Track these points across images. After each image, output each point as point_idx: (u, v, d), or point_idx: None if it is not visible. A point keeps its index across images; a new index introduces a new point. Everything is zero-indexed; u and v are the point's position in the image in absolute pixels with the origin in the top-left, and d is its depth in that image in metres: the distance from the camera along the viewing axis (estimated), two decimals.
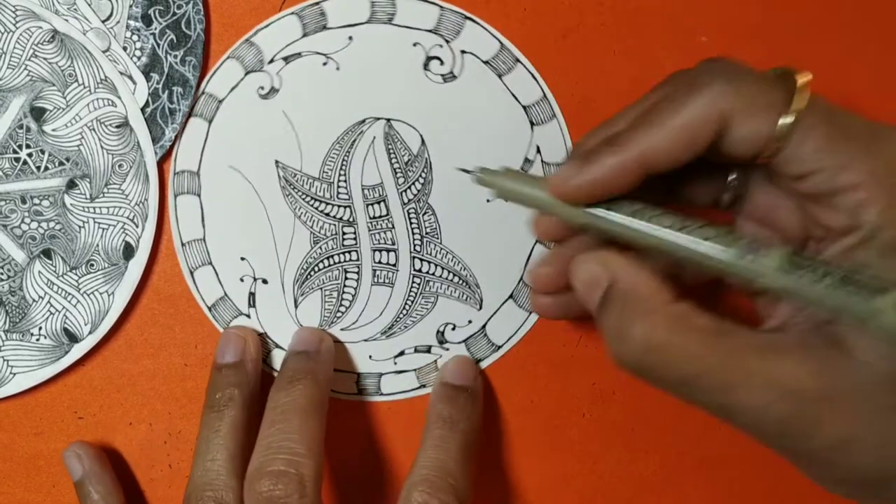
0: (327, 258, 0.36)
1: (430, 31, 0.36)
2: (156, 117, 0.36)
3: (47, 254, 0.36)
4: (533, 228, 0.32)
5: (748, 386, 0.25)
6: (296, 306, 0.37)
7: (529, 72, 0.36)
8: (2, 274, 0.36)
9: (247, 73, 0.36)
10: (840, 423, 0.24)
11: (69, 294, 0.36)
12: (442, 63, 0.36)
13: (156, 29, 0.35)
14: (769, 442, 0.26)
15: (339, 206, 0.36)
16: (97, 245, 0.36)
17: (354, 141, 0.36)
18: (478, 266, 0.37)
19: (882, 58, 0.37)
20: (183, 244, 0.36)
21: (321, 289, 0.36)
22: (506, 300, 0.37)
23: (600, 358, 0.37)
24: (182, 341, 0.37)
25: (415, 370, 0.37)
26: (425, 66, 0.36)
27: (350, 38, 0.36)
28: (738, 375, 0.25)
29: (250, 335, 0.36)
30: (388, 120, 0.36)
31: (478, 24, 0.36)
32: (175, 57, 0.36)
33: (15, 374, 0.36)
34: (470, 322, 0.37)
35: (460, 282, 0.37)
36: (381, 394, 0.37)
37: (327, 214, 0.36)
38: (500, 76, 0.36)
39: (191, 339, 0.37)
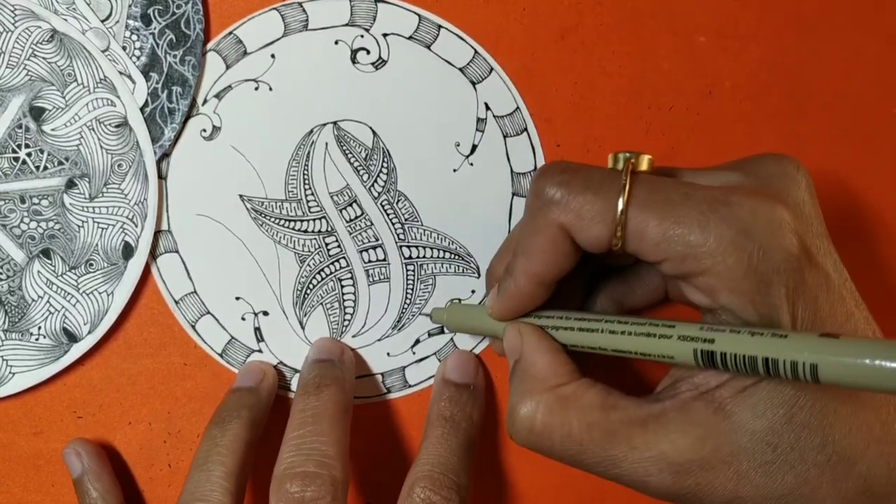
0: (318, 273, 0.36)
1: (346, 25, 0.36)
2: (155, 117, 0.36)
3: (46, 253, 0.36)
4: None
5: (629, 461, 0.27)
6: (303, 328, 0.37)
7: (454, 34, 0.36)
8: (1, 274, 0.36)
9: (186, 120, 0.36)
10: (726, 487, 0.26)
11: (68, 294, 0.36)
12: (368, 52, 0.36)
13: (155, 28, 0.35)
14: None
15: (314, 220, 0.36)
16: (96, 245, 0.36)
17: (309, 153, 0.36)
18: (464, 235, 0.37)
19: (882, 58, 0.37)
20: (176, 302, 0.36)
21: (322, 304, 0.37)
22: None
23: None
24: (181, 341, 0.37)
25: (434, 353, 0.37)
26: (353, 60, 0.36)
27: (272, 55, 0.36)
28: (621, 450, 0.27)
29: (269, 368, 0.36)
30: (335, 123, 0.36)
31: (390, 3, 0.36)
32: (174, 56, 0.36)
33: (14, 373, 0.36)
34: (474, 292, 0.37)
35: (452, 256, 0.37)
36: (409, 385, 0.37)
37: (305, 231, 0.36)
38: (427, 47, 0.36)
39: (190, 339, 0.37)
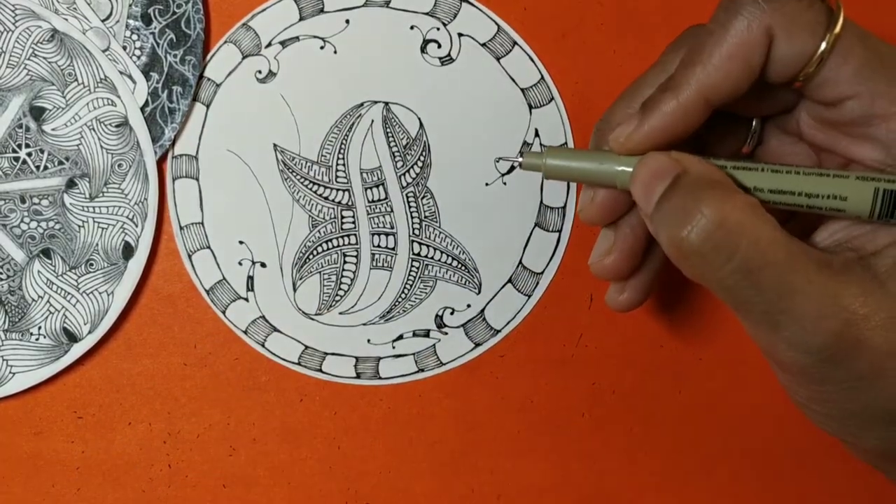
0: (326, 242, 0.36)
1: (426, 13, 0.36)
2: (155, 117, 0.36)
3: (47, 253, 0.36)
4: (583, 213, 0.30)
5: (807, 294, 0.24)
6: (294, 290, 0.36)
7: (527, 54, 0.36)
8: (1, 273, 0.36)
9: (244, 58, 0.36)
10: (876, 352, 0.24)
11: (69, 294, 0.36)
12: (439, 46, 0.36)
13: (155, 28, 0.35)
14: (803, 361, 0.25)
15: (337, 190, 0.36)
16: (97, 244, 0.36)
17: (353, 125, 0.36)
18: (477, 250, 0.37)
19: None
20: (181, 227, 0.36)
21: (320, 272, 0.36)
22: (504, 284, 0.37)
23: (600, 357, 0.37)
24: (181, 341, 0.36)
25: (413, 354, 0.37)
26: (423, 49, 0.36)
27: (347, 21, 0.36)
28: (800, 280, 0.24)
29: None
30: (386, 103, 0.36)
31: (474, 6, 0.36)
32: (175, 56, 0.36)
33: (14, 373, 0.36)
34: (469, 306, 0.37)
35: (459, 266, 0.37)
36: (379, 378, 0.37)
37: (326, 198, 0.36)
38: (497, 59, 0.36)
39: (190, 339, 0.37)
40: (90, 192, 0.36)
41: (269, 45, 0.36)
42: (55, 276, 0.36)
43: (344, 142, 0.36)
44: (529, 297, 0.37)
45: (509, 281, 0.37)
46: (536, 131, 0.36)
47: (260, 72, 0.36)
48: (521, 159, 0.30)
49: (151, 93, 0.36)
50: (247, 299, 0.36)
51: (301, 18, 0.36)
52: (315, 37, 0.36)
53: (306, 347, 0.36)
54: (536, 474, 0.37)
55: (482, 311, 0.37)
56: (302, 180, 0.36)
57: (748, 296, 0.25)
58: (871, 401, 0.25)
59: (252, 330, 0.36)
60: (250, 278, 0.36)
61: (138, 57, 0.36)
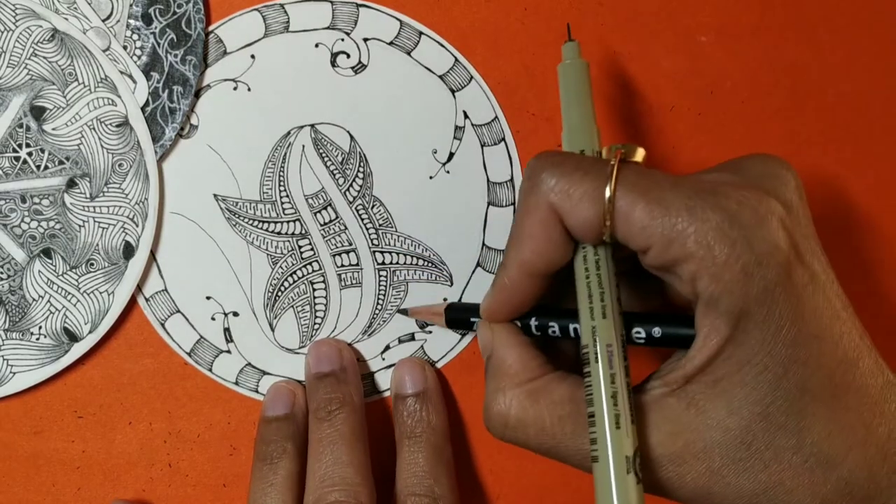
0: (290, 276, 0.36)
1: (327, 28, 0.36)
2: (156, 116, 0.36)
3: (47, 253, 0.36)
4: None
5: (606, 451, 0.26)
6: (272, 330, 0.37)
7: (436, 41, 0.36)
8: (2, 273, 0.36)
9: (186, 120, 0.36)
10: (697, 483, 0.26)
11: (69, 293, 0.36)
12: (348, 56, 0.36)
13: (156, 28, 0.35)
14: None
15: (287, 222, 0.36)
16: (97, 244, 0.36)
17: (285, 155, 0.36)
18: (439, 244, 0.37)
19: (882, 57, 0.37)
20: (147, 299, 0.36)
21: (293, 307, 0.36)
22: (474, 270, 0.37)
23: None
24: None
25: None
26: (333, 63, 0.36)
27: (252, 56, 0.36)
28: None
29: (298, 388, 0.36)
30: (312, 126, 0.36)
31: (372, 8, 0.36)
32: (175, 56, 0.36)
33: (15, 373, 0.36)
34: (445, 300, 0.37)
35: (426, 263, 0.37)
36: (378, 391, 0.37)
37: (279, 233, 0.36)
38: (408, 53, 0.36)
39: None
40: (91, 191, 0.36)
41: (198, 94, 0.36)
42: (56, 276, 0.36)
43: (281, 174, 0.36)
44: None
45: (478, 265, 0.37)
46: (465, 113, 0.36)
47: (182, 128, 0.36)
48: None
49: (152, 92, 0.36)
50: (229, 351, 0.36)
51: (207, 66, 0.36)
52: (225, 80, 0.36)
53: (300, 382, 0.37)
54: (536, 474, 0.37)
55: (460, 300, 0.37)
56: (251, 222, 0.36)
57: (563, 460, 0.28)
58: None
59: (242, 380, 0.37)
60: (227, 330, 0.36)
61: (139, 57, 0.36)
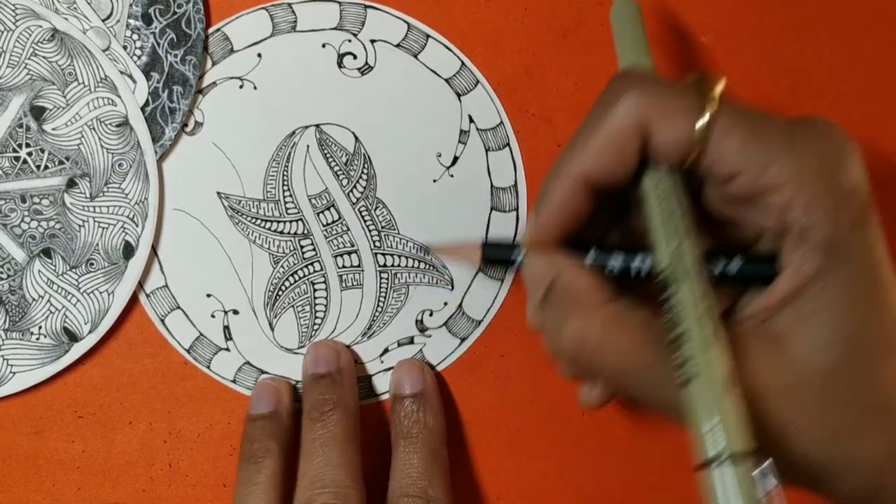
0: (291, 275, 0.36)
1: (334, 28, 0.36)
2: (156, 116, 0.36)
3: (47, 253, 0.36)
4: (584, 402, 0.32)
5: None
6: (272, 329, 0.36)
7: (443, 44, 0.36)
8: (2, 273, 0.36)
9: (186, 120, 0.36)
10: (775, 418, 0.25)
11: (69, 293, 0.36)
12: (355, 57, 0.36)
13: (156, 28, 0.35)
14: None
15: (290, 222, 0.36)
16: (97, 244, 0.36)
17: (289, 154, 0.36)
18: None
19: (882, 57, 0.37)
20: (147, 295, 0.36)
21: (293, 306, 0.36)
22: (476, 274, 0.37)
23: None
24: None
25: None
26: (339, 64, 0.36)
27: (259, 55, 0.36)
28: (672, 372, 0.25)
29: (283, 385, 0.36)
30: (318, 126, 0.36)
31: (380, 10, 0.36)
32: (175, 56, 0.36)
33: (15, 373, 0.36)
34: (446, 304, 0.37)
35: (427, 267, 0.37)
36: (375, 394, 0.37)
37: (281, 232, 0.36)
38: (414, 55, 0.36)
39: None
40: (91, 191, 0.36)
41: (200, 91, 0.36)
42: (56, 276, 0.36)
43: (285, 173, 0.36)
44: (502, 281, 0.37)
45: (479, 270, 0.37)
46: (470, 117, 0.36)
47: (187, 125, 0.36)
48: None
49: (152, 92, 0.36)
50: (228, 349, 0.36)
51: (213, 63, 0.36)
52: (231, 77, 0.36)
53: (297, 382, 0.37)
54: (536, 474, 0.37)
55: (460, 305, 0.37)
56: (253, 221, 0.36)
57: (631, 393, 0.27)
58: (793, 462, 0.26)
59: (240, 378, 0.37)
60: (226, 328, 0.36)
61: (139, 56, 0.36)
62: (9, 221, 0.36)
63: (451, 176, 0.36)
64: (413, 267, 0.37)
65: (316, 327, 0.37)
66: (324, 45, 0.36)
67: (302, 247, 0.36)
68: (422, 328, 0.37)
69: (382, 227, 0.36)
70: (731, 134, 0.26)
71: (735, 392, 0.24)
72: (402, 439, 0.34)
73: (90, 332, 0.36)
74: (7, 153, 0.35)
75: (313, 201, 0.36)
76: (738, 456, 0.23)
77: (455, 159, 0.36)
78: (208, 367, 0.36)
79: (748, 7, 0.37)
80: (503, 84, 0.36)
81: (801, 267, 0.25)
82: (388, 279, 0.37)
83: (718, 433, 0.24)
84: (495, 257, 0.32)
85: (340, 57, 0.36)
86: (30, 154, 0.35)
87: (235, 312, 0.36)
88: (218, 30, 0.36)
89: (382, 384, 0.37)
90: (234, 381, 0.37)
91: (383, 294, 0.37)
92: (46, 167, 0.36)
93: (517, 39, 0.36)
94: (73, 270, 0.36)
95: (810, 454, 0.25)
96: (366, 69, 0.36)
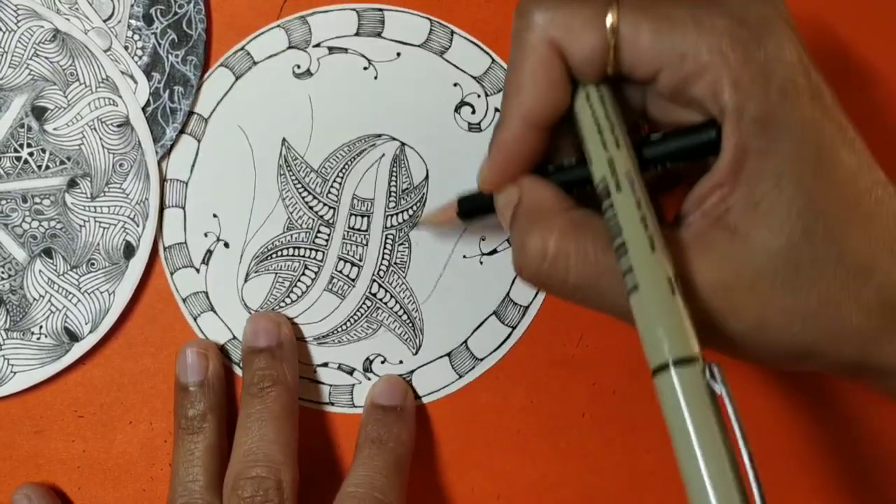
0: (294, 248, 0.36)
1: (474, 77, 0.36)
2: (157, 117, 0.36)
3: (48, 253, 0.36)
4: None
5: None
6: (245, 280, 0.36)
7: None
8: (3, 273, 0.36)
9: (289, 48, 0.36)
10: (750, 313, 0.25)
11: (70, 293, 0.36)
12: (473, 112, 0.36)
13: (157, 28, 0.36)
14: None
15: (324, 205, 0.36)
16: (98, 244, 0.36)
17: (364, 150, 0.36)
18: (430, 314, 0.36)
19: (882, 57, 0.37)
20: (166, 179, 0.36)
21: (276, 273, 0.36)
22: (441, 356, 0.37)
23: (600, 358, 0.37)
24: (183, 340, 0.36)
25: (330, 386, 0.36)
26: (457, 109, 0.36)
27: (398, 53, 0.36)
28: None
29: (211, 349, 0.35)
30: (403, 144, 0.36)
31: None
32: (176, 56, 0.36)
33: (15, 372, 0.36)
34: (401, 362, 0.36)
35: (408, 321, 0.36)
36: (317, 401, 0.37)
37: (311, 208, 0.36)
38: None
39: (192, 338, 0.37)
40: (91, 191, 0.36)
41: (318, 45, 0.36)
42: (56, 276, 0.36)
43: (349, 163, 0.36)
44: (461, 377, 0.37)
45: (447, 355, 0.37)
46: None
47: (299, 66, 0.36)
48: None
49: (153, 93, 0.36)
50: (198, 270, 0.36)
51: (357, 34, 0.36)
52: (363, 56, 0.36)
53: (233, 337, 0.36)
54: (536, 474, 0.37)
55: (411, 372, 0.37)
56: (295, 182, 0.36)
57: (597, 304, 0.27)
58: (767, 351, 0.26)
59: (190, 301, 0.36)
60: (209, 252, 0.36)
61: (140, 57, 0.36)
62: (10, 221, 0.36)
63: (481, 263, 0.36)
64: (396, 313, 0.36)
65: (283, 305, 0.36)
66: (455, 84, 0.36)
67: (319, 231, 0.36)
68: (367, 368, 0.36)
69: (394, 263, 0.36)
70: (640, 30, 0.25)
71: (678, 298, 0.24)
72: (370, 443, 0.34)
73: (91, 331, 0.36)
74: (8, 153, 0.36)
75: (355, 202, 0.36)
76: (682, 362, 0.23)
77: (494, 251, 0.36)
78: (171, 275, 0.36)
79: None
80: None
81: (737, 145, 0.25)
82: (368, 308, 0.36)
83: (663, 341, 0.23)
84: (471, 207, 0.32)
85: (462, 103, 0.36)
86: (31, 154, 0.36)
87: (226, 245, 0.36)
88: (379, 10, 0.36)
89: (304, 391, 0.36)
90: (184, 301, 0.36)
91: (356, 318, 0.36)
92: (48, 167, 0.36)
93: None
94: (74, 270, 0.36)
95: (795, 336, 0.25)
96: (475, 128, 0.36)
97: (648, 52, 0.25)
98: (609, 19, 0.25)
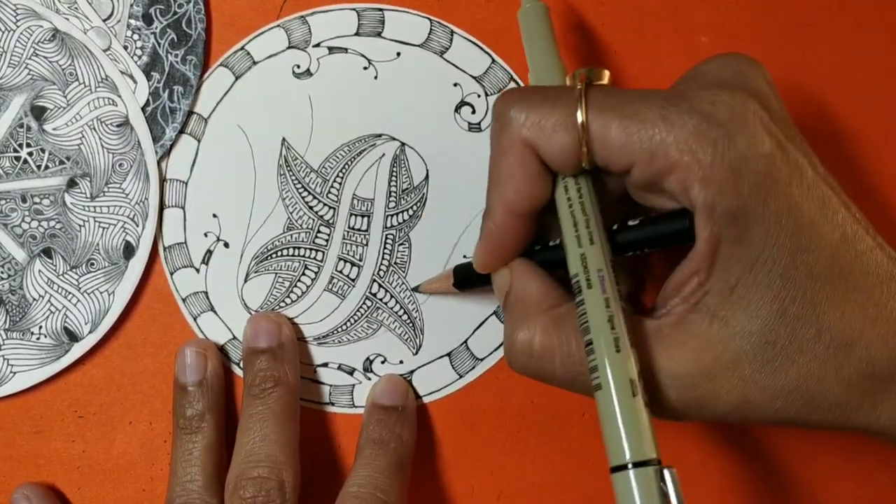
0: (294, 248, 0.36)
1: (474, 77, 0.36)
2: (156, 116, 0.36)
3: (48, 253, 0.36)
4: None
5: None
6: (245, 280, 0.36)
7: None
8: (2, 273, 0.36)
9: (289, 47, 0.36)
10: (733, 394, 0.26)
11: (69, 293, 0.36)
12: (473, 112, 0.36)
13: (156, 28, 0.36)
14: (672, 415, 0.27)
15: (324, 205, 0.36)
16: (97, 244, 0.36)
17: (364, 150, 0.36)
18: (430, 314, 0.36)
19: (882, 57, 0.37)
20: (166, 180, 0.36)
21: (276, 273, 0.36)
22: (442, 356, 0.36)
23: None
24: (182, 340, 0.36)
25: (330, 386, 0.36)
26: (457, 109, 0.36)
27: (398, 53, 0.36)
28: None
29: (209, 348, 0.35)
30: (403, 144, 0.36)
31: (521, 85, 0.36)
32: (176, 56, 0.36)
33: (15, 372, 0.36)
34: (401, 362, 0.36)
35: (408, 321, 0.36)
36: (316, 400, 0.37)
37: (311, 208, 0.36)
38: None
39: (191, 338, 0.36)
40: (91, 191, 0.36)
41: (318, 45, 0.36)
42: (56, 276, 0.36)
43: (349, 163, 0.36)
44: (461, 377, 0.37)
45: (447, 355, 0.37)
46: None
47: (299, 66, 0.36)
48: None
49: (152, 92, 0.36)
50: (198, 270, 0.36)
51: (357, 33, 0.36)
52: (363, 55, 0.36)
53: (234, 337, 0.36)
54: (536, 474, 0.37)
55: (411, 372, 0.37)
56: (295, 182, 0.36)
57: (588, 394, 0.27)
58: (757, 422, 0.27)
59: (190, 301, 0.36)
60: (209, 252, 0.36)
61: (139, 57, 0.36)
62: (9, 221, 0.36)
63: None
64: (396, 313, 0.36)
65: (283, 305, 0.36)
66: (455, 84, 0.36)
67: (319, 232, 0.36)
68: (367, 368, 0.36)
69: (394, 263, 0.36)
70: (609, 129, 0.26)
71: (639, 399, 0.25)
72: (372, 443, 0.34)
73: (90, 331, 0.36)
74: (8, 153, 0.35)
75: (355, 202, 0.36)
76: (639, 464, 0.25)
77: None
78: (171, 275, 0.36)
79: (748, 7, 0.37)
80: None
81: (710, 234, 0.25)
82: (368, 308, 0.36)
83: (622, 442, 0.25)
84: (464, 277, 0.34)
85: (462, 103, 0.36)
86: (30, 154, 0.36)
87: (226, 245, 0.36)
88: (379, 10, 0.36)
89: (304, 392, 0.36)
90: (183, 301, 0.36)
91: (356, 318, 0.36)
92: (47, 167, 0.36)
93: (517, 39, 0.36)
94: (74, 270, 0.36)
95: (777, 410, 0.26)
96: (475, 127, 0.36)
97: (619, 149, 0.26)
98: (579, 118, 0.26)
